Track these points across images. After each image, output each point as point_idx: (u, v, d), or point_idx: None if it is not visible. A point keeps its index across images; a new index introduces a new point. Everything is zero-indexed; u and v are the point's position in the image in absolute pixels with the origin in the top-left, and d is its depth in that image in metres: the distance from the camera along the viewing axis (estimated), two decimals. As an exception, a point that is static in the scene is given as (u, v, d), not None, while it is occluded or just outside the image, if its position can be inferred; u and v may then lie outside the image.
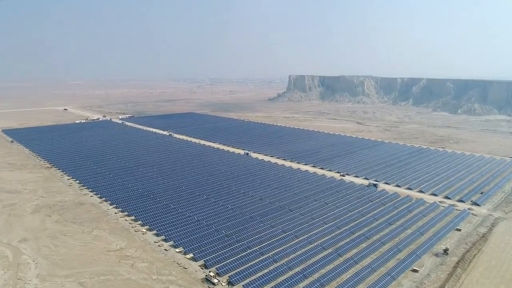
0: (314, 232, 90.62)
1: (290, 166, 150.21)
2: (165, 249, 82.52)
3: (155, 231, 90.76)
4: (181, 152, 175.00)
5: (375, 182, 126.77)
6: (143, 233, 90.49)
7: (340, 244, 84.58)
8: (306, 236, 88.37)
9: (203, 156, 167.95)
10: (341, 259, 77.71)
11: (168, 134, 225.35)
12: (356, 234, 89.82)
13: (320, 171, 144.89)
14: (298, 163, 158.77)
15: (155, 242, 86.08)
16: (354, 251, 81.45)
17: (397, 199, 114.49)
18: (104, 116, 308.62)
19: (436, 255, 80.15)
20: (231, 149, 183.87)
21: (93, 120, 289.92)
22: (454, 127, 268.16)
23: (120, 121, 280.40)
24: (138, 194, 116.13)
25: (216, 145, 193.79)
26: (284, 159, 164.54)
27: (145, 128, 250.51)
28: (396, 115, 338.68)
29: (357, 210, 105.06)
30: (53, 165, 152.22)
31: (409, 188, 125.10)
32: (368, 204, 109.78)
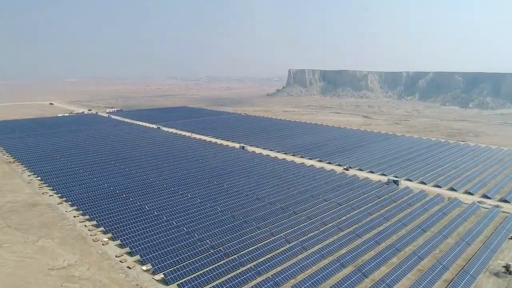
0: (327, 242, 69.31)
1: (293, 161, 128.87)
2: (128, 267, 61.06)
3: (119, 241, 69.27)
4: (168, 146, 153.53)
5: (395, 178, 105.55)
6: (103, 244, 69.05)
7: (364, 259, 63.27)
8: (316, 247, 67.08)
9: (192, 150, 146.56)
10: (367, 282, 56.35)
11: (156, 127, 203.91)
12: (383, 245, 68.53)
13: (328, 166, 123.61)
14: (301, 157, 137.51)
15: (116, 256, 64.58)
16: (384, 269, 60.07)
17: (426, 199, 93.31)
18: (89, 110, 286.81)
19: (496, 274, 58.96)
20: (225, 143, 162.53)
21: (77, 113, 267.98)
22: (469, 121, 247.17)
23: (106, 115, 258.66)
24: (107, 193, 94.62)
25: (208, 139, 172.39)
26: (285, 153, 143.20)
27: (131, 121, 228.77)
28: (403, 109, 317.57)
29: (379, 213, 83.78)
30: (16, 160, 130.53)
31: (437, 186, 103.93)
32: (391, 205, 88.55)
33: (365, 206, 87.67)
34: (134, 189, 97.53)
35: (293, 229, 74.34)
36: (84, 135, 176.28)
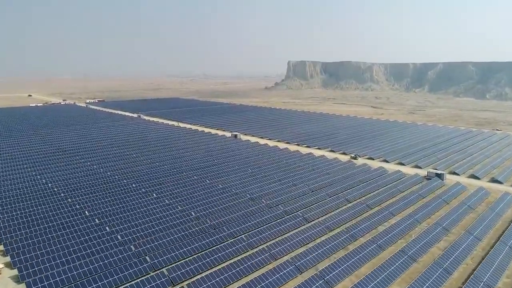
0: (363, 270, 41.87)
1: (297, 151, 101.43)
2: (12, 324, 33.50)
3: (16, 270, 41.63)
4: (144, 134, 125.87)
5: (439, 172, 78.18)
6: (-8, 275, 41.50)
7: (435, 305, 35.86)
8: (349, 281, 39.65)
9: (173, 139, 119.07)
10: None
11: (136, 116, 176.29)
12: (456, 276, 41.15)
13: (343, 157, 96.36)
14: (307, 146, 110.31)
15: (2, 300, 37.13)
16: (481, 329, 32.64)
17: (490, 199, 66.09)
18: (64, 100, 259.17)
19: None
20: (215, 131, 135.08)
21: (52, 104, 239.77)
22: (492, 111, 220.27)
23: (84, 105, 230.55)
24: (39, 191, 66.93)
25: (195, 127, 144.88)
26: (288, 143, 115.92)
27: (110, 110, 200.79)
28: (414, 100, 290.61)
29: (431, 220, 56.46)
30: None
31: (495, 181, 76.77)
32: (444, 209, 61.28)
33: (408, 210, 60.47)
34: (80, 186, 69.93)
35: (306, 247, 47.03)
36: (42, 124, 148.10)
